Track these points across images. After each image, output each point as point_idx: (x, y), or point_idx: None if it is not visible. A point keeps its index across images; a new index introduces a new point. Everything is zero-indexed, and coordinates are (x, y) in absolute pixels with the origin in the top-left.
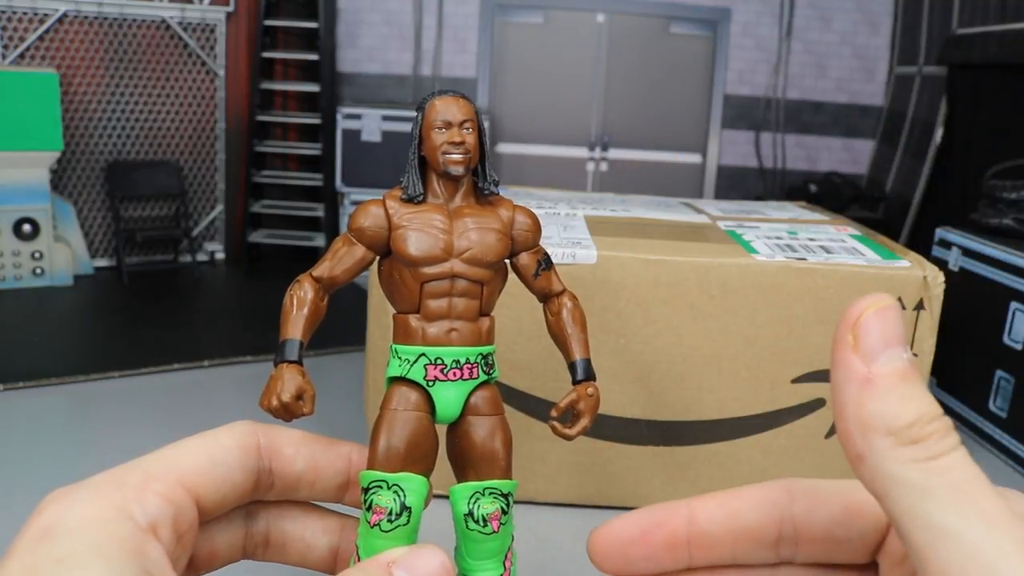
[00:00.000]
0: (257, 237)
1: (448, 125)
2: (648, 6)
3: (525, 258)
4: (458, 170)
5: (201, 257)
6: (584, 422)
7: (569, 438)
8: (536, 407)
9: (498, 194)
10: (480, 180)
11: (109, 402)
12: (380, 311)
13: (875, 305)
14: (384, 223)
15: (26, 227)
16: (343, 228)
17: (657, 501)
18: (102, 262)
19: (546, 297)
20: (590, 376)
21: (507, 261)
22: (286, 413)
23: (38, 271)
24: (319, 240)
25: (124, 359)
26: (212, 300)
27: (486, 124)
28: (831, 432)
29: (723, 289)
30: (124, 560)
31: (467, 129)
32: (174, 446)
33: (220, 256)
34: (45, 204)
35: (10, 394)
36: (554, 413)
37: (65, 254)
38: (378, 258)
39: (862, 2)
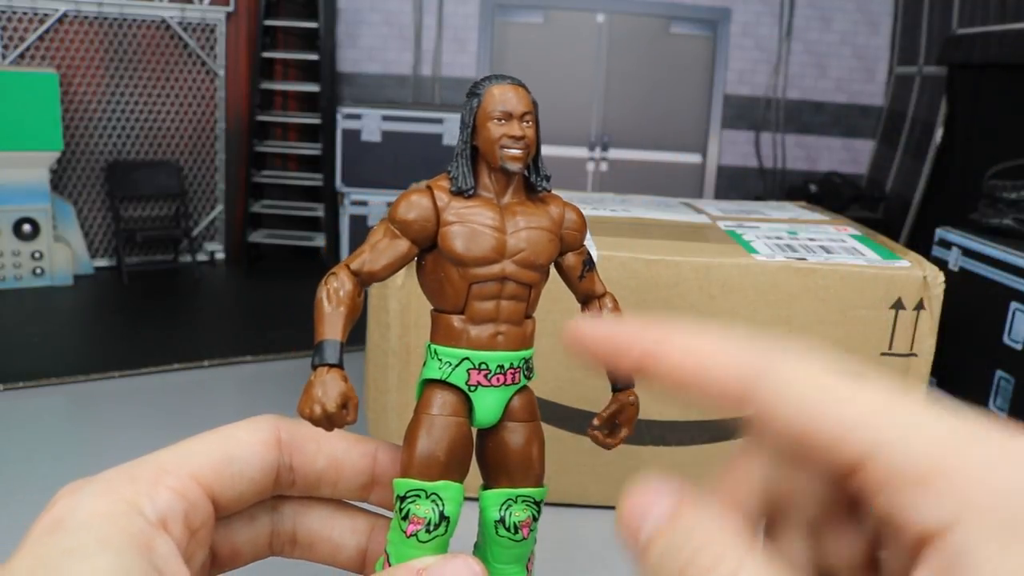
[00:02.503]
0: (257, 237)
1: (508, 116)
2: (648, 6)
3: (571, 259)
4: (517, 167)
5: (201, 257)
6: (625, 432)
7: (610, 447)
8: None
9: (549, 191)
10: (532, 175)
11: (109, 402)
12: (380, 311)
13: (619, 508)
14: (432, 216)
15: (26, 227)
16: (343, 228)
17: None
18: (102, 262)
19: (587, 298)
20: (630, 383)
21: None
22: (328, 423)
23: (38, 271)
24: (319, 240)
25: (124, 359)
26: (212, 300)
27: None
28: None
29: (723, 289)
30: (132, 553)
31: (527, 122)
32: (191, 440)
33: (220, 256)
34: (45, 204)
35: (10, 394)
36: (596, 423)
37: (65, 254)
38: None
39: (862, 2)
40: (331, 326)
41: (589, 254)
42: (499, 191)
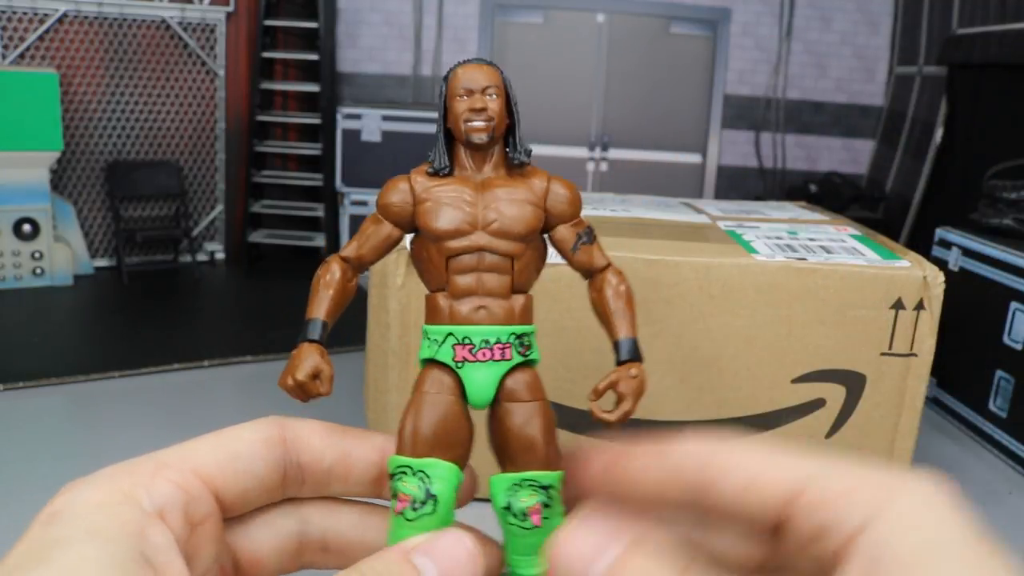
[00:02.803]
0: (257, 237)
1: (470, 92)
2: (648, 6)
3: (563, 231)
4: (481, 137)
5: (201, 257)
6: (626, 406)
7: (609, 424)
8: None
9: (530, 164)
10: (511, 150)
11: (109, 402)
12: (380, 310)
13: (555, 548)
14: (409, 198)
15: (26, 227)
16: (343, 228)
17: None
18: (102, 262)
19: (589, 273)
20: (635, 357)
21: (545, 236)
22: (302, 392)
23: (38, 271)
24: (319, 240)
25: (124, 359)
26: (212, 300)
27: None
28: (831, 432)
29: (723, 289)
30: (122, 542)
31: (491, 96)
32: (193, 440)
33: (220, 256)
34: (45, 204)
35: (10, 394)
36: (592, 396)
37: (65, 254)
38: (411, 236)
39: (862, 2)
40: (317, 307)
41: (589, 227)
42: (476, 168)
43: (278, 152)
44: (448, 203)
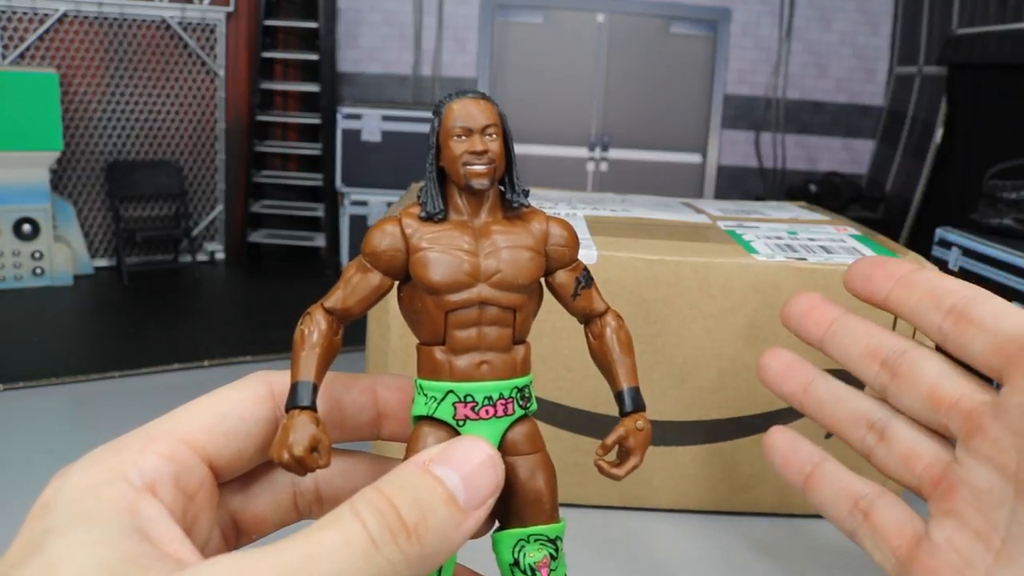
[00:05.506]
0: (257, 237)
1: (468, 132)
2: (648, 6)
3: (562, 276)
4: (483, 183)
5: (201, 257)
6: (634, 460)
7: (618, 478)
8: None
9: (529, 206)
10: (508, 191)
11: (109, 402)
12: (380, 311)
13: None
14: (401, 245)
15: (26, 227)
16: (343, 228)
17: (657, 502)
18: (102, 262)
19: (587, 318)
20: (639, 407)
21: (541, 280)
22: (300, 467)
23: (38, 271)
24: (319, 240)
25: (124, 359)
26: (212, 300)
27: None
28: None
29: (723, 289)
30: (113, 521)
31: (490, 135)
32: (181, 408)
33: (220, 256)
34: (45, 204)
35: (10, 394)
36: (600, 451)
37: (65, 254)
38: (397, 283)
39: (862, 2)
40: (304, 368)
41: (586, 270)
42: (472, 212)
43: (278, 152)
44: (446, 252)
